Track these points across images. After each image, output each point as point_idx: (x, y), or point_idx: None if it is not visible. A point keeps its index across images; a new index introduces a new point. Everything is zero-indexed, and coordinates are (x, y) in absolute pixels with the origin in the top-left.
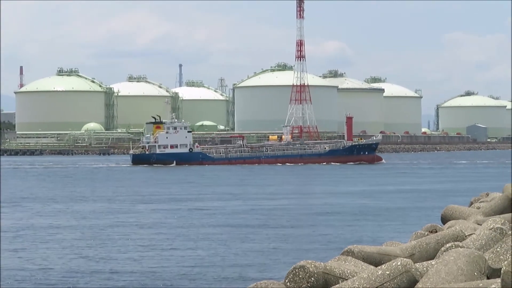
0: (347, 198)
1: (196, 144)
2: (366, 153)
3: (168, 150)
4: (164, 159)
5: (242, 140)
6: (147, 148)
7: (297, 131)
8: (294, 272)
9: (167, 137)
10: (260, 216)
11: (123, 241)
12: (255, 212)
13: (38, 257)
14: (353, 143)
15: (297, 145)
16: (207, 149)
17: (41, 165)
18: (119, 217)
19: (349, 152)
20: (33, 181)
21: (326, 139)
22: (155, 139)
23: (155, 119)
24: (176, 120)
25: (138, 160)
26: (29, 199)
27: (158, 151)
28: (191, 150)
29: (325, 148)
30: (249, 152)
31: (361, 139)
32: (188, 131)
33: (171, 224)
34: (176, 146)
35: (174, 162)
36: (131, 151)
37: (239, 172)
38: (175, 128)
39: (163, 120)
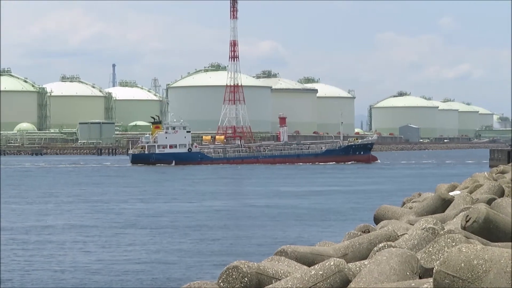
0: (283, 199)
1: (195, 144)
2: (362, 153)
3: (167, 150)
4: (163, 159)
5: (240, 140)
6: (146, 148)
7: (230, 132)
8: (227, 272)
9: (166, 137)
10: (195, 217)
11: (49, 243)
12: (190, 213)
13: None
14: (349, 143)
15: (294, 145)
16: (206, 149)
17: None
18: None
19: (345, 152)
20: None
21: (260, 140)
22: (154, 139)
23: (154, 119)
24: (175, 120)
25: (137, 159)
26: None
27: (157, 151)
28: (190, 150)
29: (321, 148)
30: (247, 152)
31: (356, 139)
32: (187, 131)
33: (104, 225)
34: (175, 146)
35: (173, 162)
36: (131, 151)
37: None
38: (174, 128)
39: (98, 121)
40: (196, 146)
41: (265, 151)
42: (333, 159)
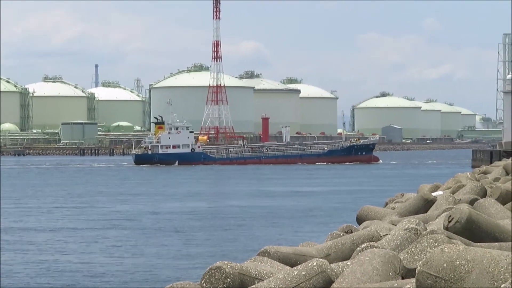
0: (267, 199)
1: (198, 144)
2: (364, 153)
3: (171, 150)
4: (166, 159)
5: (243, 140)
6: (149, 148)
7: (213, 132)
8: (210, 273)
9: (169, 137)
10: (179, 217)
11: (31, 244)
12: (173, 214)
13: None
14: (351, 144)
15: (297, 145)
16: (208, 149)
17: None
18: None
19: (347, 152)
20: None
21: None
22: (157, 139)
23: (157, 119)
24: (177, 120)
25: (140, 160)
26: None
27: (160, 151)
28: (193, 150)
29: (324, 149)
30: (249, 152)
31: (358, 140)
32: (190, 132)
33: (88, 226)
34: (178, 146)
35: (177, 162)
36: (134, 151)
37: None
38: (177, 128)
39: (81, 121)
40: (199, 147)
41: (267, 151)
42: (335, 159)
